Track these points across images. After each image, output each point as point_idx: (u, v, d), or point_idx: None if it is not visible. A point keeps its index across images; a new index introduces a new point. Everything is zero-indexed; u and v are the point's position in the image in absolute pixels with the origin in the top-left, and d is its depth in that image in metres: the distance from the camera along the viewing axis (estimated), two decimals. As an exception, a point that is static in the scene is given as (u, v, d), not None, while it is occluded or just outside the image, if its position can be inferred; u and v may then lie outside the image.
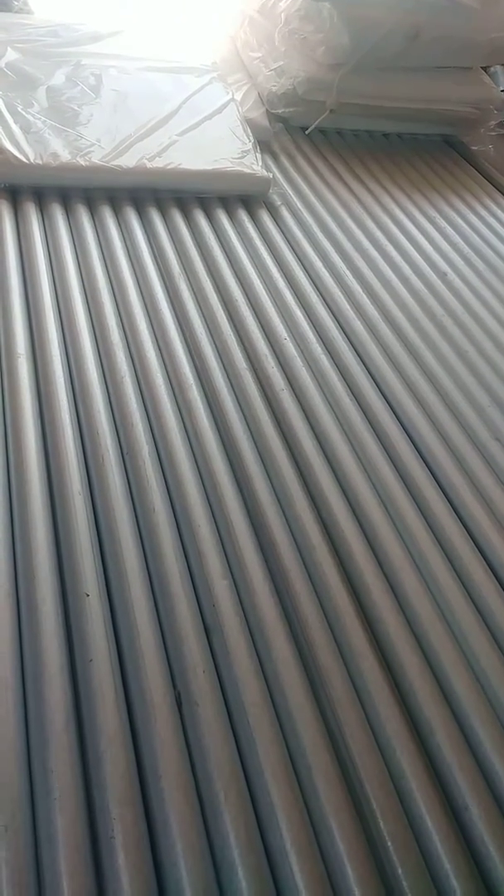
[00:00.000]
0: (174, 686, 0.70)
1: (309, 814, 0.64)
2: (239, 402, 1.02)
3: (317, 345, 1.15)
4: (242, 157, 1.44)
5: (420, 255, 1.45)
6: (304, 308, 1.24)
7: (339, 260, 1.37)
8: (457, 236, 1.54)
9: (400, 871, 0.62)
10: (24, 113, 1.34)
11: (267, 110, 1.69)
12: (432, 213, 1.60)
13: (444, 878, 0.63)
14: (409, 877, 0.62)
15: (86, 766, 0.63)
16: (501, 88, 2.04)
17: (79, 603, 0.73)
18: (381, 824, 0.65)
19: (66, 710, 0.65)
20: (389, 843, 0.64)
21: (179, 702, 0.69)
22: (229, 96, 1.58)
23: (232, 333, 1.13)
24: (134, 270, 1.20)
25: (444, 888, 0.63)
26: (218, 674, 0.72)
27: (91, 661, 0.69)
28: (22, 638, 0.71)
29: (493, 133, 1.96)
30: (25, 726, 0.65)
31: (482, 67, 1.93)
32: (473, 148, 1.93)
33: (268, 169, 1.49)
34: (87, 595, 0.74)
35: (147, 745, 0.65)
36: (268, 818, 0.63)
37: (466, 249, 1.50)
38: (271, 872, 0.61)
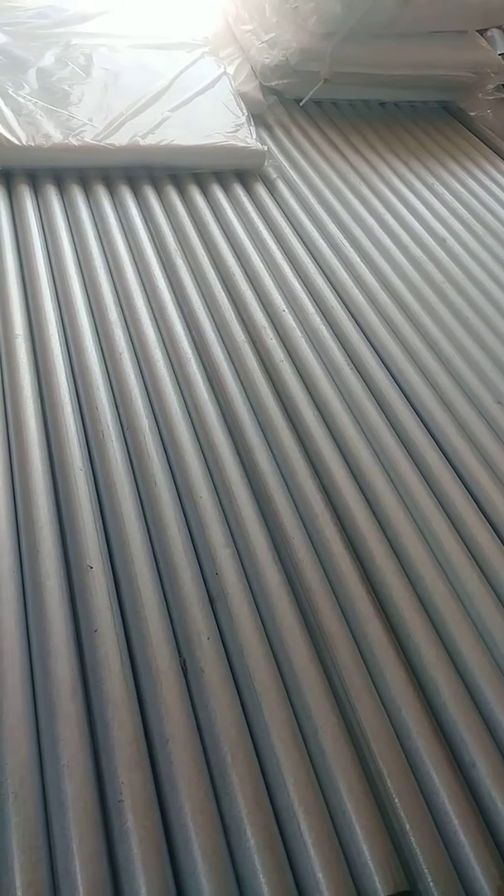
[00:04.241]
0: (179, 653, 0.70)
1: (316, 773, 0.65)
2: (238, 375, 1.02)
3: (316, 315, 1.15)
4: (236, 131, 1.42)
5: (419, 222, 1.43)
6: (302, 279, 1.23)
7: (337, 230, 1.36)
8: (455, 202, 1.52)
9: (408, 826, 0.63)
10: (14, 95, 1.33)
11: (260, 83, 1.68)
12: (430, 180, 1.58)
13: (453, 834, 0.64)
14: (417, 832, 0.62)
15: (93, 734, 0.64)
16: (499, 52, 2.01)
17: (82, 576, 0.74)
18: (388, 782, 0.65)
19: (73, 680, 0.66)
20: (397, 800, 0.64)
21: (185, 668, 0.69)
22: (221, 70, 1.57)
23: (230, 307, 1.13)
24: (130, 248, 1.20)
25: (453, 843, 0.63)
26: (223, 640, 0.73)
27: (96, 631, 0.69)
28: (27, 611, 0.71)
29: (492, 97, 1.93)
30: (33, 696, 0.66)
31: (479, 31, 1.90)
32: (472, 114, 1.90)
33: (262, 142, 1.48)
34: (91, 567, 0.74)
35: (153, 711, 0.66)
36: (275, 778, 0.63)
37: (465, 215, 1.48)
38: (280, 831, 0.61)
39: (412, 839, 0.62)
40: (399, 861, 0.61)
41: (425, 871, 0.60)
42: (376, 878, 0.59)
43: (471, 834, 0.63)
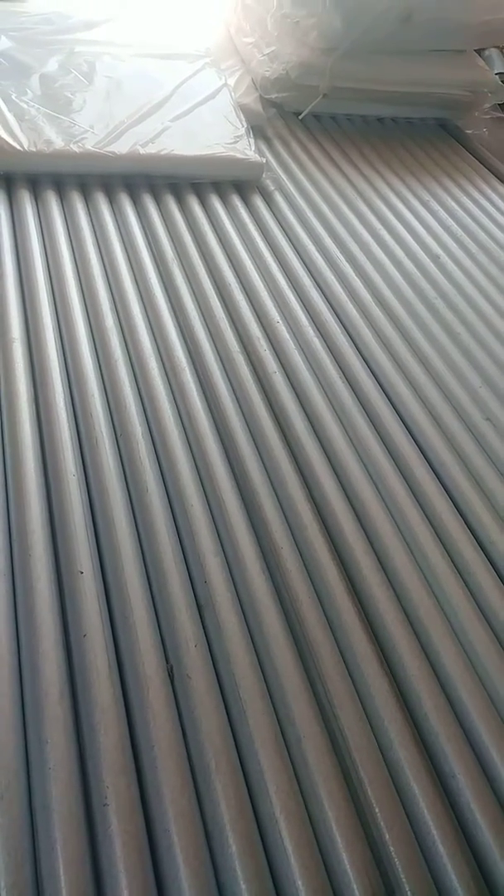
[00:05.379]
0: (167, 660, 0.71)
1: (298, 782, 0.66)
2: (231, 384, 1.03)
3: (309, 328, 1.16)
4: (235, 143, 1.44)
5: (413, 238, 1.45)
6: (296, 292, 1.24)
7: (332, 244, 1.38)
8: (450, 220, 1.54)
9: (387, 836, 0.64)
10: (17, 101, 1.34)
11: (260, 95, 1.70)
12: (426, 196, 1.61)
13: (431, 844, 0.65)
14: (396, 842, 0.63)
15: (80, 737, 0.65)
16: (496, 71, 2.04)
17: (73, 580, 0.75)
18: (369, 791, 0.66)
19: (61, 684, 0.67)
20: (377, 810, 0.65)
21: (172, 675, 0.70)
22: (222, 82, 1.59)
23: (225, 317, 1.14)
24: (128, 256, 1.21)
25: (431, 853, 0.64)
26: (210, 648, 0.74)
27: (85, 635, 0.70)
28: (17, 615, 0.72)
29: (488, 116, 1.96)
30: (21, 699, 0.66)
31: (476, 50, 1.92)
32: (468, 132, 1.92)
33: (261, 154, 1.49)
34: (81, 573, 0.75)
35: (140, 717, 0.66)
36: (257, 785, 0.64)
37: (460, 232, 1.50)
38: (261, 838, 0.62)
39: (391, 848, 0.63)
40: (378, 870, 0.62)
41: (403, 879, 0.61)
42: (355, 886, 0.60)
43: (449, 844, 0.64)
